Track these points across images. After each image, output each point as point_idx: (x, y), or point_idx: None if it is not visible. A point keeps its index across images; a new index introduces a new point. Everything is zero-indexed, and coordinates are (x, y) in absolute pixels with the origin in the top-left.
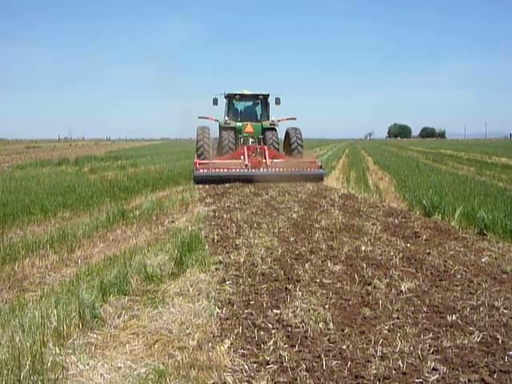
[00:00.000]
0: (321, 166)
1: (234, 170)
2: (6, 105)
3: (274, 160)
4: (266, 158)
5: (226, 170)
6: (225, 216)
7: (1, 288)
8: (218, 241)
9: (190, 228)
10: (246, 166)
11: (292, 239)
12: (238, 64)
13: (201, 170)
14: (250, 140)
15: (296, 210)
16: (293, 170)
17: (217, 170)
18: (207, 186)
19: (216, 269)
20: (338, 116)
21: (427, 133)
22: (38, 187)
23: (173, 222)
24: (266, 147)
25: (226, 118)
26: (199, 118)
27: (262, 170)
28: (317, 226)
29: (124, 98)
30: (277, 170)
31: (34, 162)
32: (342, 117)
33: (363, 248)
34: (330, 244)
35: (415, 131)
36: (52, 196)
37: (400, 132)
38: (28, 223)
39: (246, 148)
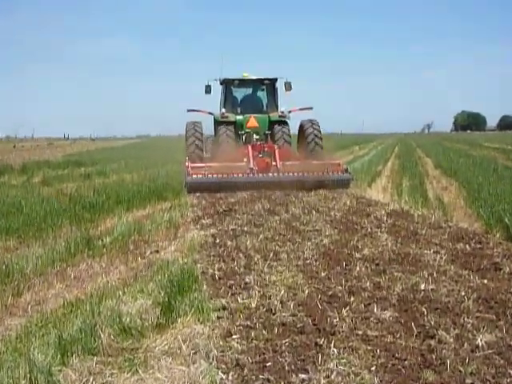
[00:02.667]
0: (346, 170)
1: (235, 176)
2: None
3: (287, 162)
4: (276, 160)
5: (225, 176)
6: (229, 243)
7: None
8: (220, 278)
9: (181, 260)
10: (252, 169)
11: (323, 275)
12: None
13: (194, 176)
14: (255, 137)
15: (328, 233)
16: (311, 174)
17: (214, 176)
18: (204, 202)
19: (218, 317)
20: (384, 104)
21: (508, 123)
22: None
23: (157, 251)
24: (275, 146)
25: (223, 109)
26: (188, 111)
27: (271, 174)
28: (357, 255)
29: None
30: (290, 174)
31: None
32: (389, 105)
33: (422, 286)
34: (376, 281)
35: (491, 121)
36: None
37: (470, 123)
38: None
39: (250, 147)
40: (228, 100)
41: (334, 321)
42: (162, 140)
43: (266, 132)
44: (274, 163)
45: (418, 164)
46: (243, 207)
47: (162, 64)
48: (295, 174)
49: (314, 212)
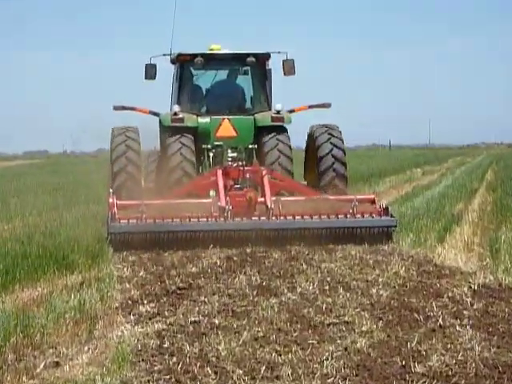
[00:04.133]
0: (386, 210)
1: (195, 222)
2: None
3: (283, 198)
4: (265, 194)
5: (178, 222)
6: (188, 349)
7: None
8: None
9: (99, 382)
10: (224, 210)
11: None
12: None
13: (123, 222)
14: (230, 154)
15: (366, 328)
16: (326, 218)
17: (158, 222)
18: (142, 272)
19: None
20: (466, 96)
21: None
22: None
23: (57, 365)
24: (264, 169)
25: (176, 107)
26: (115, 109)
27: (256, 218)
28: (419, 369)
29: None
30: (290, 218)
31: None
32: (476, 97)
33: None
34: None
35: None
36: None
37: None
38: None
39: (220, 172)
40: (185, 91)
41: None
42: (69, 161)
43: (250, 146)
44: (261, 199)
45: None
46: (213, 282)
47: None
48: (297, 217)
49: (341, 290)
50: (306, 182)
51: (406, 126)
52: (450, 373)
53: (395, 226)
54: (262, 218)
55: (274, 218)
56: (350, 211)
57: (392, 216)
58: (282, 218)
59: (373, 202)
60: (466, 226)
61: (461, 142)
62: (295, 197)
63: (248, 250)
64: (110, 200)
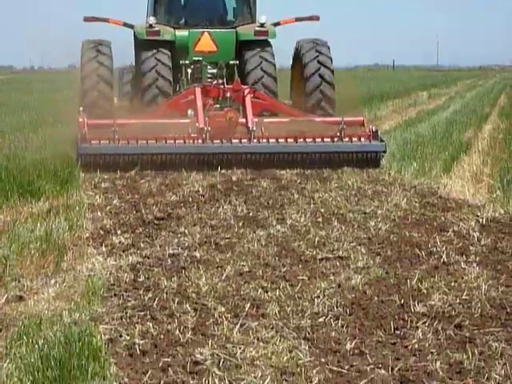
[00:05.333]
0: (375, 133)
1: (170, 143)
2: None
3: (267, 119)
4: (246, 115)
5: (153, 143)
6: (165, 283)
7: None
8: (145, 352)
9: (67, 317)
10: (202, 131)
11: (350, 347)
12: None
13: (94, 142)
14: (209, 71)
15: (361, 264)
16: (311, 141)
17: (132, 143)
18: (116, 200)
19: None
20: (480, 14)
21: None
22: None
23: (20, 298)
24: (246, 88)
25: (152, 18)
26: (86, 20)
27: (237, 141)
28: (419, 308)
29: None
30: (273, 142)
31: None
32: (490, 16)
33: None
34: (454, 359)
35: None
36: None
37: None
38: None
39: (198, 90)
40: (162, 1)
41: None
42: (36, 77)
43: (231, 62)
44: (242, 120)
45: None
46: (194, 212)
47: None
48: (280, 141)
49: (336, 222)
50: (291, 102)
51: (411, 44)
52: (453, 313)
53: (384, 152)
54: (243, 140)
55: (255, 140)
56: (338, 134)
57: (382, 140)
58: (264, 140)
59: (362, 124)
60: (475, 155)
61: (472, 63)
62: (279, 118)
63: (234, 178)
64: (80, 119)
